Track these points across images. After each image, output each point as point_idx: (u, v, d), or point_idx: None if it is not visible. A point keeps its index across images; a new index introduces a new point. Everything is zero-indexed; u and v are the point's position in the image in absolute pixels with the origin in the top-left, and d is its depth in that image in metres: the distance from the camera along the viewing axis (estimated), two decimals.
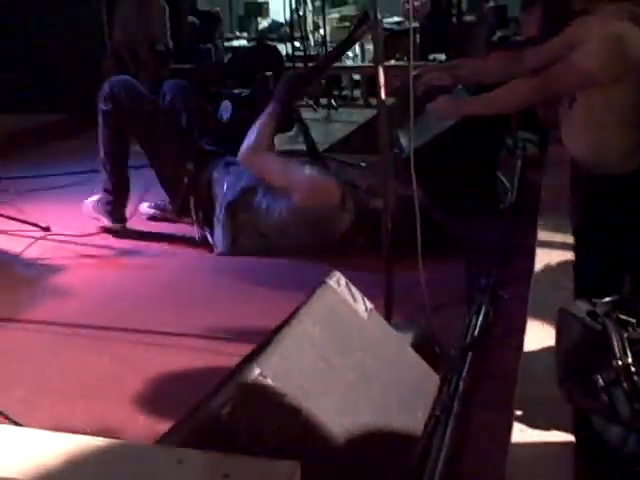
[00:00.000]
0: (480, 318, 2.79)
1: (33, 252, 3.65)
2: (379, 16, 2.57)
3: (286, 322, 1.54)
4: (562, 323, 1.64)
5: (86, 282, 3.31)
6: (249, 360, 1.41)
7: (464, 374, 2.33)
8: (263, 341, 1.56)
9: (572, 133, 2.73)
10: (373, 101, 7.65)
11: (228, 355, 2.44)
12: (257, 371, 1.31)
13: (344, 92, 8.26)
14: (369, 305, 1.73)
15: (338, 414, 1.41)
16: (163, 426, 1.88)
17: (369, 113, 6.70)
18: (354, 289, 1.72)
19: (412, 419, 1.60)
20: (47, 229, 3.94)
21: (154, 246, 3.69)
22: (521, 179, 4.42)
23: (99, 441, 1.20)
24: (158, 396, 2.34)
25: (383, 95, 2.56)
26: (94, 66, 7.25)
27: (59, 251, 3.68)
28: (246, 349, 2.12)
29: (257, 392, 1.29)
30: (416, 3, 6.54)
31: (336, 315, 1.63)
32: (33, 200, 4.48)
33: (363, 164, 5.13)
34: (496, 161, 4.22)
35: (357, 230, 3.31)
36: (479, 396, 2.24)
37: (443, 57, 7.30)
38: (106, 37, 7.58)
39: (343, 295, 1.66)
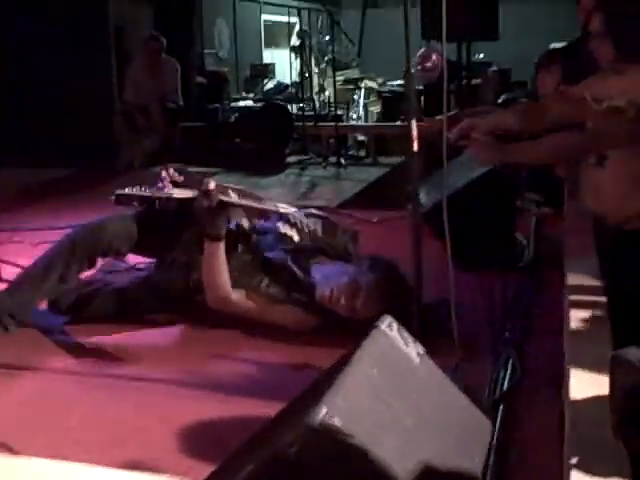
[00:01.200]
0: (508, 372, 2.77)
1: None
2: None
3: (341, 364, 1.53)
4: (616, 369, 1.62)
5: (105, 334, 3.27)
6: (310, 400, 1.39)
7: (497, 427, 2.30)
8: (316, 381, 1.54)
9: (603, 189, 2.71)
10: (381, 160, 7.79)
11: (254, 405, 2.45)
12: (324, 411, 1.29)
13: (350, 152, 8.35)
14: (421, 350, 1.72)
15: (401, 457, 1.39)
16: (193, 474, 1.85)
17: (377, 171, 6.78)
18: (405, 333, 1.72)
19: (471, 463, 1.58)
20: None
21: None
22: (537, 237, 4.44)
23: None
24: (184, 445, 2.30)
25: (416, 147, 2.59)
26: (104, 124, 7.39)
27: None
28: (272, 399, 2.11)
29: (325, 432, 1.27)
30: (428, 64, 6.64)
31: (390, 358, 1.62)
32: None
33: (375, 220, 5.19)
34: (513, 220, 4.25)
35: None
36: (514, 450, 2.22)
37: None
38: (115, 96, 7.75)
39: (395, 339, 1.65)
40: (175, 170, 3.37)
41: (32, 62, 7.42)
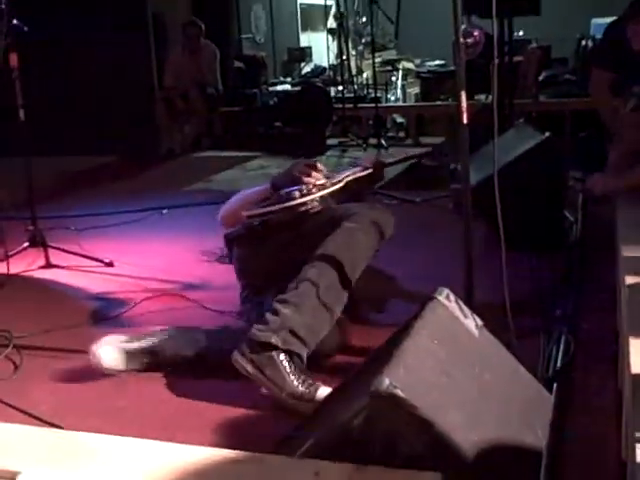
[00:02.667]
0: (561, 348, 2.72)
1: (99, 287, 3.66)
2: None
3: (400, 336, 1.50)
4: None
5: (152, 315, 3.26)
6: (371, 373, 1.37)
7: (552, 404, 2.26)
8: (375, 355, 1.51)
9: None
10: (423, 140, 7.72)
11: None
12: (387, 382, 1.27)
13: (389, 133, 8.29)
14: (479, 322, 1.69)
15: (465, 429, 1.36)
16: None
17: (419, 151, 6.72)
18: (463, 305, 1.68)
19: (534, 437, 1.54)
20: (110, 264, 3.96)
21: (217, 280, 3.66)
22: (584, 213, 4.37)
23: (233, 454, 1.16)
24: (239, 426, 2.28)
25: (465, 119, 2.54)
26: (144, 111, 7.43)
27: (124, 286, 3.68)
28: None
29: (389, 403, 1.25)
30: (469, 40, 6.54)
31: (449, 330, 1.59)
32: (92, 238, 4.51)
33: (418, 200, 5.15)
34: (562, 196, 4.16)
35: None
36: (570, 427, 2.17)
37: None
38: (155, 83, 7.77)
39: (454, 311, 1.62)
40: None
41: (71, 50, 7.46)
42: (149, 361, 2.59)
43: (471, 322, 1.65)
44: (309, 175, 2.74)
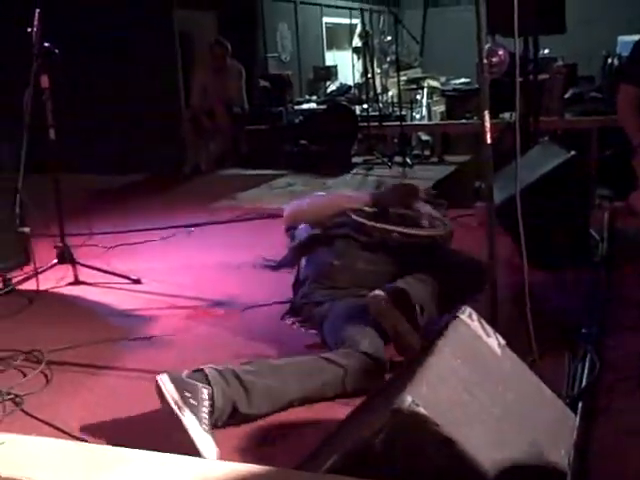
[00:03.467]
0: (586, 367, 2.71)
1: (126, 303, 3.70)
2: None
3: (423, 354, 1.51)
4: None
5: (180, 332, 3.29)
6: (394, 390, 1.38)
7: (576, 424, 2.25)
8: (399, 373, 1.53)
9: None
10: (448, 158, 7.73)
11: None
12: (409, 399, 1.28)
13: (415, 151, 8.30)
14: (502, 340, 1.70)
15: (487, 448, 1.37)
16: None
17: (444, 170, 6.73)
18: (486, 324, 1.70)
19: (557, 456, 1.55)
20: (138, 281, 4.00)
21: (245, 297, 3.68)
22: (611, 231, 4.35)
23: (258, 469, 1.18)
24: (259, 439, 2.30)
25: (489, 139, 2.55)
26: (172, 129, 7.51)
27: (152, 303, 3.72)
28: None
29: (410, 420, 1.27)
30: (494, 59, 6.55)
31: (472, 349, 1.60)
32: (120, 255, 4.57)
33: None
34: (587, 215, 4.15)
35: None
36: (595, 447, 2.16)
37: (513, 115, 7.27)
38: (182, 101, 7.87)
39: (476, 330, 1.64)
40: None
41: (101, 70, 7.58)
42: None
43: (494, 341, 1.66)
44: (416, 202, 3.28)
